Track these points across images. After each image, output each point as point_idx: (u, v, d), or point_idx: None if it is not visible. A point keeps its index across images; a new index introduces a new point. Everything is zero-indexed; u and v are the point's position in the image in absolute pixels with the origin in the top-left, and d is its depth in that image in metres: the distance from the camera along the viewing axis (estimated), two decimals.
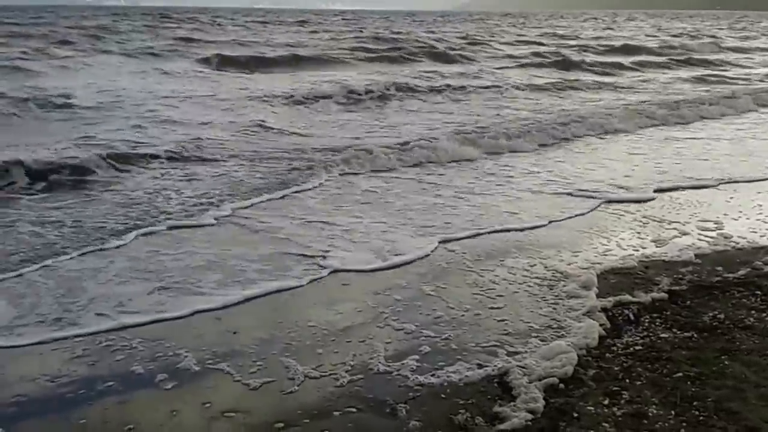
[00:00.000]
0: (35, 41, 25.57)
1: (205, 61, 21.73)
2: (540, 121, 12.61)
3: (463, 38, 35.50)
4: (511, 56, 27.78)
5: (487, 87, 18.09)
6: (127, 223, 6.40)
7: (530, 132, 11.39)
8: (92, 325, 4.41)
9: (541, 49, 30.06)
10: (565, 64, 24.42)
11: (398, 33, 33.67)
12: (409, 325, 4.53)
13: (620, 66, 25.19)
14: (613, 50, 31.36)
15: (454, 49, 28.59)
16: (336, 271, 5.43)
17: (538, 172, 8.98)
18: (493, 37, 36.71)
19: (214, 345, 4.21)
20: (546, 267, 5.58)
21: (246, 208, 7.06)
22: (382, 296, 4.98)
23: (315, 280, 5.25)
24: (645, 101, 15.94)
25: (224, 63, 21.62)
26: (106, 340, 4.24)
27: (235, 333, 4.41)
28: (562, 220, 6.91)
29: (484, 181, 8.52)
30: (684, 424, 3.41)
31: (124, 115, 12.31)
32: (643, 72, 24.32)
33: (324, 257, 5.67)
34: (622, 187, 8.15)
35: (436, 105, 15.34)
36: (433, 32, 40.35)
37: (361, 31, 37.77)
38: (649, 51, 32.11)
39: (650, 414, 3.49)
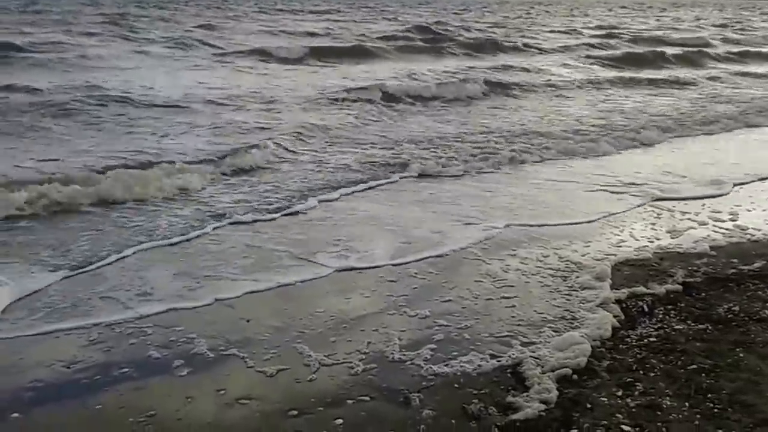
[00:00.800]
0: (65, 28, 24.22)
1: (258, 53, 19.83)
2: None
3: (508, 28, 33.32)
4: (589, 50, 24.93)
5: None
6: None
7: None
8: None
9: (594, 41, 27.55)
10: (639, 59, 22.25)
11: (438, 23, 31.28)
12: (423, 314, 4.54)
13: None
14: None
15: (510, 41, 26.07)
16: None
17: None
18: (533, 26, 34.54)
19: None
20: (560, 258, 5.56)
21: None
22: (396, 286, 5.01)
23: None
24: None
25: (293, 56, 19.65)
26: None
27: (248, 321, 4.43)
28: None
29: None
30: (698, 416, 3.40)
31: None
32: None
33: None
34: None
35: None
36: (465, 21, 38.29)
37: (390, 21, 35.20)
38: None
39: (664, 406, 3.48)
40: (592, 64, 20.92)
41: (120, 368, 3.82)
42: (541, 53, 23.61)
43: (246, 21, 29.93)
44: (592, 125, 11.49)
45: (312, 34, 26.46)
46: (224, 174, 7.88)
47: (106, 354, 3.97)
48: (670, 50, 24.14)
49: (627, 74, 18.53)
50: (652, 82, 17.50)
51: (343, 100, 13.07)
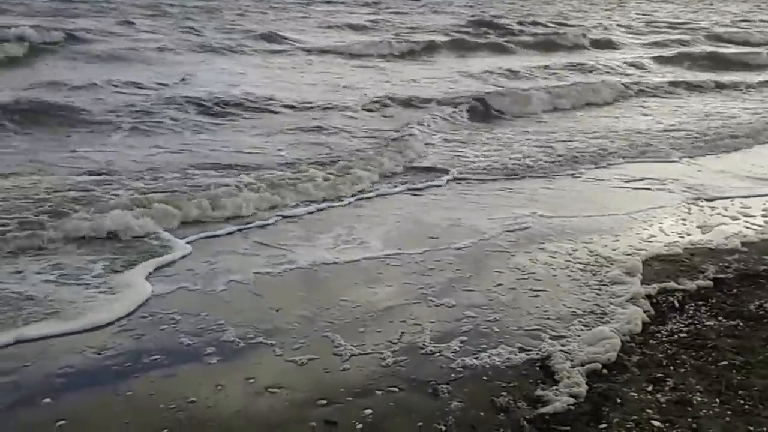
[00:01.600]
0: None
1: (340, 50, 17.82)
2: None
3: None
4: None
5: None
6: None
7: None
8: None
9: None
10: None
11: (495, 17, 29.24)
12: (451, 305, 4.55)
13: None
14: None
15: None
16: None
17: None
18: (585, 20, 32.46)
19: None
20: (589, 252, 5.52)
21: None
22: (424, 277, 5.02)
23: None
24: None
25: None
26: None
27: (278, 311, 4.46)
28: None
29: None
30: (729, 412, 3.37)
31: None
32: None
33: None
34: None
35: None
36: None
37: (449, 14, 32.65)
38: None
39: (695, 401, 3.45)
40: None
41: (150, 355, 3.86)
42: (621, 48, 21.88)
43: (293, 12, 27.78)
44: None
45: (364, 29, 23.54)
46: None
47: (136, 342, 4.02)
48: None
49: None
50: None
51: None
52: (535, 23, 27.29)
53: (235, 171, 7.35)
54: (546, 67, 16.53)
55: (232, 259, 5.24)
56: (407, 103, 11.68)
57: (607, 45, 22.18)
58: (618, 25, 28.58)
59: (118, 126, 9.26)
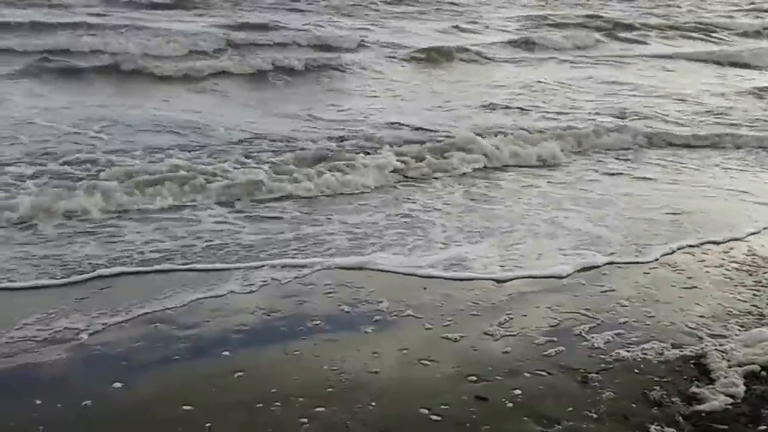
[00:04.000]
0: None
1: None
2: None
3: None
4: None
5: None
6: None
7: None
8: None
9: None
10: None
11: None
12: (605, 293, 4.58)
13: None
14: None
15: None
16: None
17: None
18: None
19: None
20: (746, 252, 5.34)
21: None
22: None
23: None
24: None
25: None
26: None
27: (425, 288, 4.63)
28: None
29: None
30: None
31: None
32: None
33: None
34: None
35: None
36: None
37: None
38: None
39: None
40: None
41: (313, 320, 4.15)
42: None
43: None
44: None
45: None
46: None
47: (299, 306, 4.32)
48: None
49: None
50: None
51: None
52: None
53: None
54: None
55: None
56: None
57: None
58: None
59: None
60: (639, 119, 9.49)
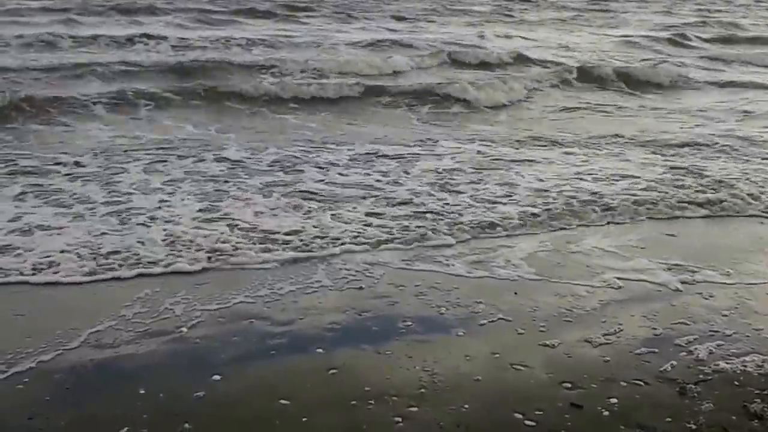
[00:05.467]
0: None
1: None
2: None
3: None
4: None
5: None
6: None
7: None
8: None
9: None
10: None
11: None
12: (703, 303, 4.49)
13: None
14: None
15: None
16: None
17: None
18: None
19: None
20: None
21: None
22: None
23: None
24: None
25: None
26: None
27: (516, 293, 4.61)
28: None
29: None
30: None
31: None
32: None
33: None
34: None
35: None
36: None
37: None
38: None
39: None
40: None
41: (404, 321, 4.19)
42: None
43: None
44: None
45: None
46: None
47: (391, 307, 4.38)
48: None
49: None
50: None
51: None
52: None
53: None
54: None
55: None
56: None
57: None
58: None
59: None
60: None
